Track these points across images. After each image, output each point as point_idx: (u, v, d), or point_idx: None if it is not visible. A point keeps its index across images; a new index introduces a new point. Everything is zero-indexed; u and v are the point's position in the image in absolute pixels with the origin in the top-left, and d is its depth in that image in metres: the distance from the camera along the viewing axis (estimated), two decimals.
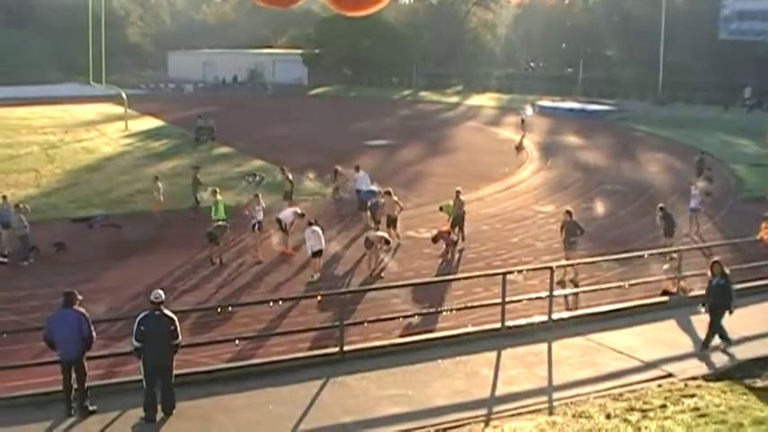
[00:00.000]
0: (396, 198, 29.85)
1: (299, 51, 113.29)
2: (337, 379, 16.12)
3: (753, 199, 36.86)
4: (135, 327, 14.32)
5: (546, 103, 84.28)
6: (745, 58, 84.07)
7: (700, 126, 65.23)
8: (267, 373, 16.35)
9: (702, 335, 18.45)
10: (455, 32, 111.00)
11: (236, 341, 18.41)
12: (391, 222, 29.33)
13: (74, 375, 14.37)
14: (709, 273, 18.74)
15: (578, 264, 24.40)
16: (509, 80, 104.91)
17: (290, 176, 33.84)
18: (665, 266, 22.98)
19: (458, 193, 30.10)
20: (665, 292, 22.00)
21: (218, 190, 30.41)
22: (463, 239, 29.48)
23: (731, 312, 18.21)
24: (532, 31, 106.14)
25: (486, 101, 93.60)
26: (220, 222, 27.64)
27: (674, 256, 22.86)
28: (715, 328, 18.15)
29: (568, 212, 26.57)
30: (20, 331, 18.63)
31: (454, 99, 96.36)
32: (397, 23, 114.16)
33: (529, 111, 70.33)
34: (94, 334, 14.64)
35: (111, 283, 24.32)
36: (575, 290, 23.36)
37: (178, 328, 14.35)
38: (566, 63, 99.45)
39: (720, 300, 18.19)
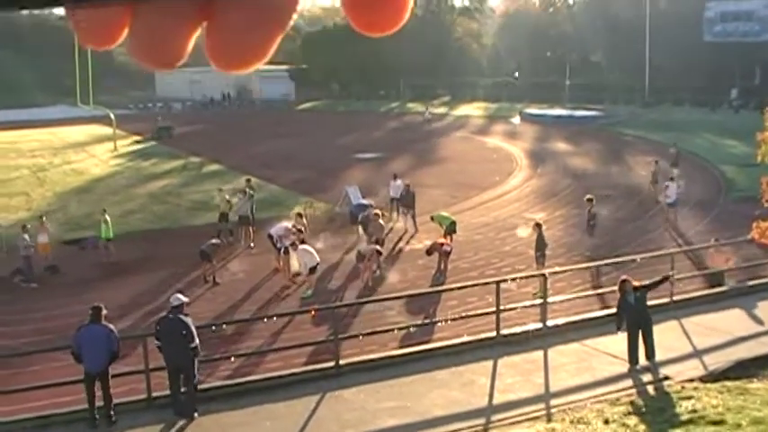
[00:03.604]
0: (382, 221, 29.83)
1: (286, 67, 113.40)
2: (334, 393, 16.12)
3: (743, 199, 36.95)
4: (155, 328, 15.72)
5: (534, 110, 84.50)
6: (731, 59, 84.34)
7: (688, 128, 65.39)
8: (264, 390, 16.35)
9: (698, 338, 18.48)
10: (441, 43, 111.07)
11: (232, 358, 18.42)
12: (379, 244, 29.19)
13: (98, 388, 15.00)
14: (618, 291, 17.99)
15: (571, 270, 24.44)
16: (496, 89, 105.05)
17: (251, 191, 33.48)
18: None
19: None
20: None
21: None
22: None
23: (649, 333, 17.65)
24: (518, 40, 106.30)
25: (473, 110, 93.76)
26: (214, 240, 27.60)
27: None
28: (630, 347, 17.55)
29: (537, 225, 26.73)
30: (13, 356, 18.61)
31: (442, 109, 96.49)
32: (382, 35, 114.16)
33: (516, 119, 70.66)
34: None
35: (105, 303, 24.22)
36: (566, 296, 23.40)
37: (193, 331, 14.97)
38: (552, 70, 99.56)
39: (636, 318, 17.66)
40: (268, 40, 0.88)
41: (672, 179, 34.95)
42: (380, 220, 29.47)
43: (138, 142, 67.67)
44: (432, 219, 30.42)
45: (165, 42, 0.86)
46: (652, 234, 32.03)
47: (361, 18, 0.87)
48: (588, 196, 30.76)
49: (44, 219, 30.02)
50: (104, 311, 15.41)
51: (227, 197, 32.90)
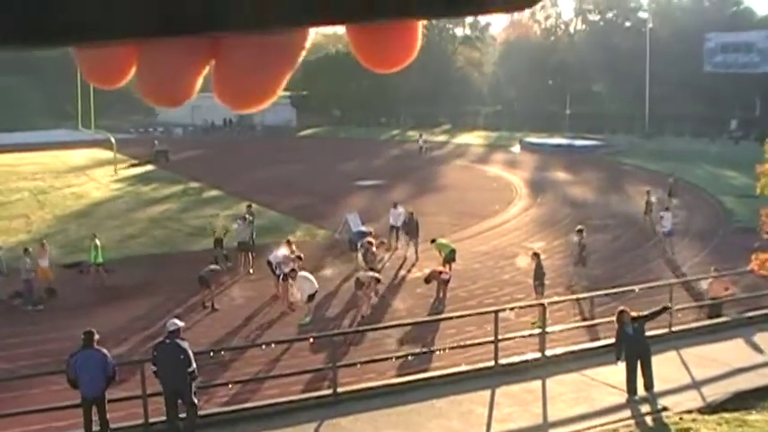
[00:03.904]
0: (375, 250, 29.70)
1: (288, 94, 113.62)
2: (332, 421, 16.10)
3: (742, 230, 36.98)
4: (152, 353, 15.91)
5: (534, 139, 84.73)
6: (730, 90, 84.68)
7: (687, 158, 65.53)
8: (261, 417, 16.33)
9: (696, 369, 18.46)
10: (442, 71, 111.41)
11: (230, 385, 18.39)
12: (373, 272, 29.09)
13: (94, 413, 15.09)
14: (616, 322, 18.04)
15: (570, 299, 24.45)
16: (497, 117, 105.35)
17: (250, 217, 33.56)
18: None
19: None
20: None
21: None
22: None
23: (648, 364, 17.70)
24: (519, 68, 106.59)
25: (473, 139, 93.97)
26: (212, 266, 27.59)
27: None
28: (629, 378, 17.60)
29: (536, 254, 26.82)
30: (11, 379, 18.59)
31: (442, 137, 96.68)
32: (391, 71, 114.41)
33: (516, 148, 70.89)
34: None
35: (104, 328, 24.13)
36: (569, 326, 23.38)
37: (191, 356, 14.97)
38: (552, 99, 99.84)
39: (635, 349, 17.69)
40: (276, 78, 0.88)
41: (667, 209, 35.19)
42: (373, 249, 29.37)
43: (134, 165, 68.08)
44: (432, 242, 30.49)
45: (172, 81, 0.85)
46: (650, 264, 32.09)
47: (371, 56, 0.88)
48: (579, 227, 30.78)
49: (45, 243, 30.00)
50: (97, 336, 15.43)
51: (222, 223, 33.03)
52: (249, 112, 0.91)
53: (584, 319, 24.11)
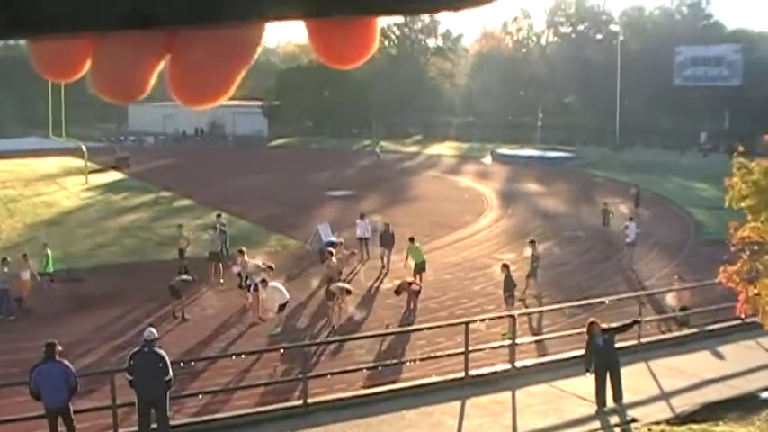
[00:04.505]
0: (335, 260, 29.29)
1: (259, 103, 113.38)
2: None
3: (711, 242, 37.23)
4: (127, 361, 15.64)
5: (505, 150, 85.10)
6: (700, 102, 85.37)
7: (657, 170, 66.01)
8: (231, 428, 16.30)
9: (665, 380, 18.57)
10: (414, 82, 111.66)
11: (200, 395, 18.32)
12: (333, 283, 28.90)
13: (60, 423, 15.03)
14: (586, 334, 18.21)
15: (541, 311, 24.56)
16: (468, 129, 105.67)
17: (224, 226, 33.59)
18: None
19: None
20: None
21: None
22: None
23: (617, 375, 17.81)
24: (491, 80, 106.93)
25: (445, 149, 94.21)
26: (184, 276, 27.49)
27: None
28: (598, 389, 17.70)
29: (505, 266, 26.88)
30: None
31: (414, 148, 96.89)
32: (356, 74, 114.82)
33: (488, 159, 71.21)
34: None
35: (72, 338, 24.04)
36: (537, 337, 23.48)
37: (168, 365, 15.02)
38: (524, 111, 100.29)
39: (604, 360, 17.82)
40: (231, 75, 0.88)
41: (631, 219, 35.47)
42: (333, 259, 29.08)
43: (96, 171, 68.16)
44: (411, 240, 30.73)
45: (126, 75, 0.85)
46: (619, 276, 32.24)
47: (329, 51, 0.88)
48: (530, 238, 31.03)
49: (27, 255, 29.44)
50: (59, 348, 15.37)
51: (185, 233, 32.97)
52: (203, 107, 0.90)
53: (535, 333, 24.13)
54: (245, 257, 28.23)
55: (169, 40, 0.85)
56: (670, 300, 26.40)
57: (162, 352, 15.51)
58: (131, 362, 15.49)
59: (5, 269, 27.21)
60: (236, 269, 28.42)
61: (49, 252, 30.05)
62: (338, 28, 0.86)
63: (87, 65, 0.85)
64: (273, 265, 28.26)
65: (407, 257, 30.38)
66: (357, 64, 0.89)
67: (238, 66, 0.88)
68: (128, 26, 0.79)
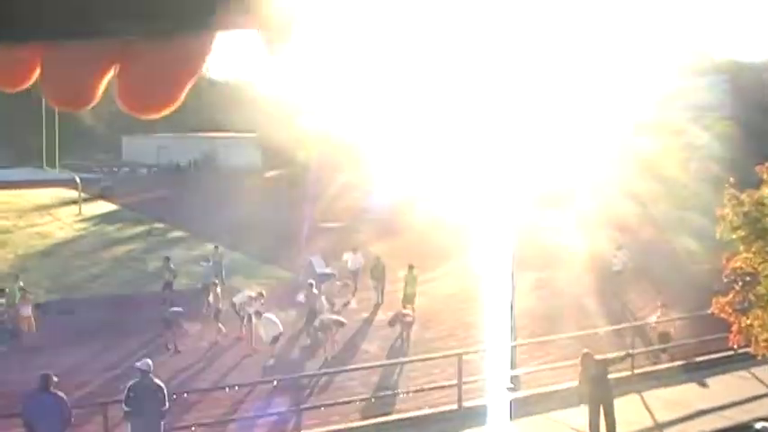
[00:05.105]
0: (316, 291, 29.18)
1: (253, 134, 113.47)
2: None
3: (702, 272, 37.21)
4: (125, 393, 15.55)
5: None
6: None
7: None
8: None
9: (658, 412, 18.56)
10: None
11: (193, 428, 18.27)
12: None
13: None
14: (580, 365, 18.14)
15: (536, 341, 24.54)
16: None
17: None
18: None
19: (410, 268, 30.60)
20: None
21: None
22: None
23: (610, 406, 17.78)
24: None
25: None
26: (175, 308, 27.46)
27: None
28: (591, 421, 17.67)
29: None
30: None
31: None
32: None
33: None
34: None
35: (64, 369, 23.97)
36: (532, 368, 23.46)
37: (166, 395, 15.05)
38: None
39: (598, 391, 17.76)
40: (177, 86, 0.89)
41: (619, 248, 35.62)
42: (314, 290, 28.87)
43: (86, 200, 68.17)
44: (410, 268, 30.96)
45: (75, 85, 0.86)
46: (611, 305, 32.20)
47: (134, 103, 0.90)
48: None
49: (28, 291, 29.03)
50: (55, 379, 15.30)
51: (171, 266, 32.93)
52: (149, 116, 0.91)
53: (552, 361, 24.15)
54: (219, 289, 28.36)
55: (118, 51, 0.86)
56: (652, 325, 26.36)
57: (160, 382, 15.52)
58: (130, 393, 15.42)
59: (2, 300, 27.13)
60: (235, 299, 28.34)
61: (21, 284, 29.61)
62: (146, 76, 0.87)
63: (35, 75, 0.86)
64: (264, 292, 28.27)
65: (406, 284, 30.37)
66: (162, 113, 0.91)
67: (184, 78, 0.89)
68: (74, 37, 0.80)
